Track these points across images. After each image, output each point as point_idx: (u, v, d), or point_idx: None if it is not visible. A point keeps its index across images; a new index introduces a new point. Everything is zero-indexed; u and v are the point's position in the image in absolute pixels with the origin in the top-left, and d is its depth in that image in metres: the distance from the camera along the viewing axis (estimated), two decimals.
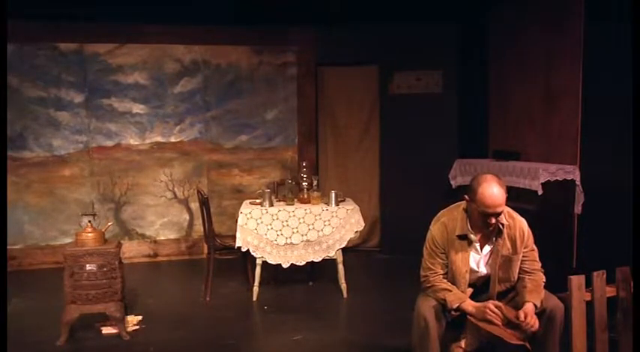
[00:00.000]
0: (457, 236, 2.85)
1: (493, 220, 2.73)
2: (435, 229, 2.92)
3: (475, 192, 2.73)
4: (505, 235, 2.84)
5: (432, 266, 2.89)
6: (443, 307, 2.81)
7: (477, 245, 2.86)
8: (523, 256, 2.87)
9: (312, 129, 6.61)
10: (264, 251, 4.65)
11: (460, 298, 2.78)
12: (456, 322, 2.82)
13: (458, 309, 2.78)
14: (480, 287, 2.92)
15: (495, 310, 2.70)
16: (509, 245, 2.85)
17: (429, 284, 2.89)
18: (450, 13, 6.20)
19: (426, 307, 2.82)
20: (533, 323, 2.67)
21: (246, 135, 6.46)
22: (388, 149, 6.57)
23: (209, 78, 6.31)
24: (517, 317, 2.68)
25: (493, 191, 2.69)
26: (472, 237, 2.84)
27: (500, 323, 2.69)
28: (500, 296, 2.89)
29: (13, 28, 4.48)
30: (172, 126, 6.27)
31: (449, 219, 2.90)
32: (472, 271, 2.89)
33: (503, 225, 2.82)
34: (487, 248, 2.88)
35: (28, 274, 5.70)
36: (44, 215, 5.99)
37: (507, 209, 2.87)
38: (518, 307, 2.75)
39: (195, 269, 5.87)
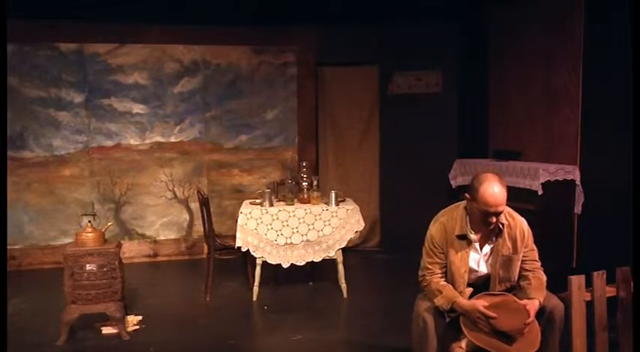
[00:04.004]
0: (456, 236, 2.85)
1: (494, 219, 2.74)
2: (433, 229, 2.92)
3: (476, 190, 2.73)
4: (505, 235, 2.84)
5: (429, 266, 2.90)
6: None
7: (477, 244, 2.87)
8: (523, 256, 2.87)
9: (312, 129, 6.60)
10: (264, 251, 4.65)
11: (450, 299, 2.77)
12: (455, 321, 2.82)
13: (453, 310, 2.78)
14: (480, 287, 2.92)
15: (482, 315, 2.68)
16: (509, 244, 2.85)
17: (425, 284, 2.90)
18: (450, 13, 6.20)
19: (425, 307, 2.83)
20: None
21: (246, 135, 6.45)
22: (388, 149, 6.57)
23: (209, 78, 6.31)
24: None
25: (494, 190, 2.69)
26: (472, 236, 2.84)
27: (487, 330, 2.69)
28: None
29: (13, 28, 4.47)
30: (172, 126, 6.27)
31: (448, 219, 2.90)
32: (472, 270, 2.89)
33: (503, 224, 2.82)
34: (487, 247, 2.88)
35: (28, 274, 5.70)
36: (44, 215, 5.99)
37: (507, 209, 2.88)
38: None
39: (195, 269, 5.87)
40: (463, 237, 2.85)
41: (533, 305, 2.71)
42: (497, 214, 2.73)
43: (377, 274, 5.87)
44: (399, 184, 6.41)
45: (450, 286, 2.84)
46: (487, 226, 2.78)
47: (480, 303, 2.71)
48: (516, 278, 2.88)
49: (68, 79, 5.95)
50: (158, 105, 6.20)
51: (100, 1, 5.52)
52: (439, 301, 2.79)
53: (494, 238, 2.86)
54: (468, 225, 2.84)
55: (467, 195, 2.83)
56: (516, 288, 2.88)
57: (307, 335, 4.00)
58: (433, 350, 2.76)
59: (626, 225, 3.40)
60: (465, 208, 2.88)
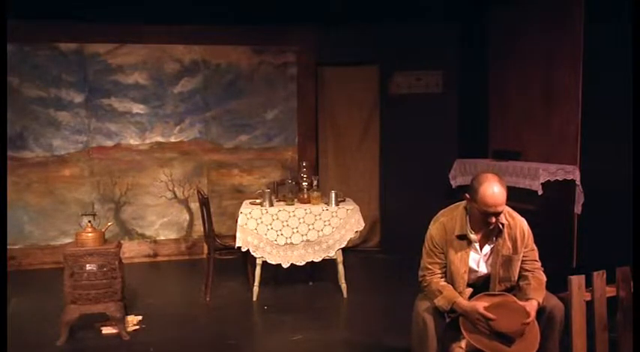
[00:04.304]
0: (456, 236, 2.85)
1: (494, 219, 2.74)
2: (433, 229, 2.92)
3: (476, 191, 2.73)
4: (506, 235, 2.84)
5: (429, 266, 2.90)
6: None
7: (477, 244, 2.87)
8: (523, 256, 2.87)
9: (312, 129, 6.60)
10: (264, 251, 4.65)
11: (450, 300, 2.77)
12: (455, 322, 2.82)
13: (453, 310, 2.78)
14: (480, 287, 2.92)
15: (482, 317, 2.68)
16: (509, 244, 2.85)
17: (425, 284, 2.90)
18: (450, 13, 6.21)
19: (425, 307, 2.83)
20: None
21: (246, 135, 6.45)
22: (388, 149, 6.58)
23: (209, 78, 6.31)
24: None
25: (494, 190, 2.70)
26: (472, 236, 2.84)
27: (486, 331, 2.69)
28: None
29: (13, 28, 4.47)
30: (172, 126, 6.27)
31: (448, 219, 2.90)
32: (472, 271, 2.89)
33: (503, 224, 2.82)
34: (487, 247, 2.88)
35: (28, 274, 5.69)
36: (44, 215, 5.99)
37: (507, 209, 2.88)
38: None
39: (195, 269, 5.87)
40: (463, 237, 2.85)
41: (532, 306, 2.71)
42: (497, 214, 2.73)
43: (377, 274, 5.86)
44: (399, 184, 6.42)
45: (450, 286, 2.84)
46: (487, 226, 2.78)
47: (480, 305, 2.71)
48: (516, 278, 2.88)
49: (68, 79, 5.95)
50: (158, 105, 6.20)
51: (100, 1, 5.52)
52: (439, 301, 2.79)
53: (494, 238, 2.86)
54: (468, 225, 2.84)
55: (467, 195, 2.83)
56: (516, 288, 2.88)
57: (307, 335, 4.00)
58: (433, 350, 2.76)
59: (626, 225, 3.40)
60: (465, 208, 2.88)
